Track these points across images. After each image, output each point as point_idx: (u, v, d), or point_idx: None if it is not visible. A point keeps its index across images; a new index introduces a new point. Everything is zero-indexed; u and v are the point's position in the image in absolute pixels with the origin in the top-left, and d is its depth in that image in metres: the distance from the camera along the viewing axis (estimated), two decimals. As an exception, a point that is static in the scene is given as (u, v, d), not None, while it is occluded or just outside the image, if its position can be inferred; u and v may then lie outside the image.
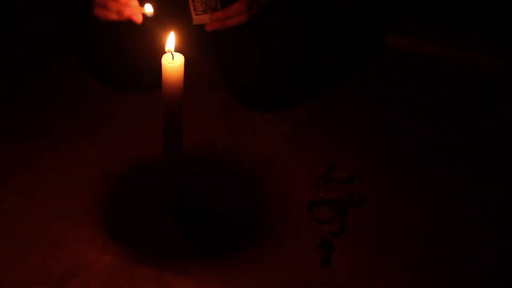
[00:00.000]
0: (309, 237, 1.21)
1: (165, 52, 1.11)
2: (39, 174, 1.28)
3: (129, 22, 1.26)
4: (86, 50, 1.48)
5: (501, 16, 1.64)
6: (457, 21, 1.67)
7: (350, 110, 1.47)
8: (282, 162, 1.35)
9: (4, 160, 1.30)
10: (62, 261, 1.14)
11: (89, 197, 1.24)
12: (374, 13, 1.71)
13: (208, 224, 1.22)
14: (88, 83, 1.48)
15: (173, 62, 1.09)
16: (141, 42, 1.38)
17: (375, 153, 1.38)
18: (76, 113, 1.41)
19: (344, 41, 1.64)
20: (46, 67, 1.52)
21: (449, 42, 1.63)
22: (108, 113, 1.42)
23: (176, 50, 1.11)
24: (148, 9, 1.23)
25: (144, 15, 1.24)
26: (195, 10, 1.32)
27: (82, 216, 1.21)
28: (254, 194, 1.28)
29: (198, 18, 1.32)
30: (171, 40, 1.11)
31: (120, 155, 1.33)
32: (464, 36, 1.64)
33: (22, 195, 1.24)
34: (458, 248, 1.21)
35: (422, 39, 1.64)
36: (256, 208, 1.25)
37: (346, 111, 1.47)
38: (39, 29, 1.62)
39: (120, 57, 1.40)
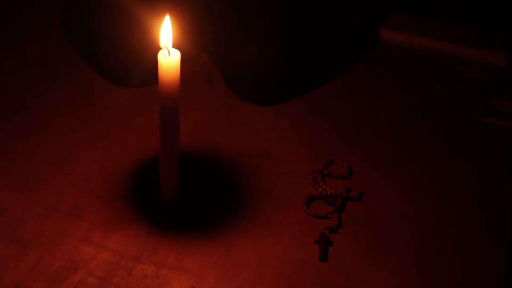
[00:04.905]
0: (307, 232, 1.20)
1: (161, 47, 1.10)
2: (34, 170, 1.27)
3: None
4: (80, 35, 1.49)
5: (500, 10, 1.64)
6: (455, 15, 1.66)
7: (348, 105, 1.47)
8: (280, 157, 1.34)
9: (-1, 157, 1.30)
10: (59, 258, 1.13)
11: (85, 193, 1.24)
12: (370, 7, 1.70)
13: (205, 221, 1.21)
14: (83, 78, 1.48)
15: (169, 58, 1.09)
16: (133, 28, 1.38)
17: (373, 148, 1.37)
18: (71, 109, 1.41)
19: (339, 35, 1.63)
20: (42, 58, 1.52)
21: (447, 36, 1.62)
22: (104, 109, 1.41)
23: (172, 45, 1.10)
24: None
25: None
26: None
27: (78, 213, 1.21)
28: (251, 190, 1.27)
29: None
30: (167, 35, 1.10)
31: (117, 152, 1.32)
32: (463, 30, 1.63)
33: (17, 193, 1.23)
34: (457, 243, 1.21)
35: (419, 33, 1.63)
36: (253, 203, 1.25)
37: (343, 106, 1.46)
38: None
39: (113, 41, 1.40)
